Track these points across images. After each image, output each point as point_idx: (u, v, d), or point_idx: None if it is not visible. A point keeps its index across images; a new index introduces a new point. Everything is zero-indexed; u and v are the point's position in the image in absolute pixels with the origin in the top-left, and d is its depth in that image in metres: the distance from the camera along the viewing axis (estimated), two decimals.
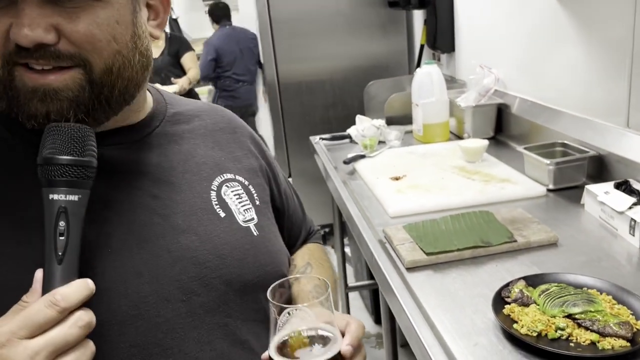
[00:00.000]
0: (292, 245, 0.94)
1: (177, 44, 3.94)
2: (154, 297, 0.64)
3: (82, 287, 0.53)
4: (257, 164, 0.84)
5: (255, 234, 0.76)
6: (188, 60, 3.95)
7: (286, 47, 2.79)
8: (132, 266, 0.64)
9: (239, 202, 0.77)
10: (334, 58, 2.82)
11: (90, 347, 0.54)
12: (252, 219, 0.77)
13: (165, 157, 0.73)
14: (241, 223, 0.75)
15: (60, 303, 0.51)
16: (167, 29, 6.28)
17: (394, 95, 2.16)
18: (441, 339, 0.84)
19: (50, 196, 0.54)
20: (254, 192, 0.80)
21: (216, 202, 0.74)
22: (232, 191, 0.76)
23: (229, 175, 0.78)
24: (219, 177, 0.77)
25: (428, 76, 1.89)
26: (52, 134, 0.55)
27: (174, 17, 6.28)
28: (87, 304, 0.55)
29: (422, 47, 2.62)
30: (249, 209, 0.77)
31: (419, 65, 2.63)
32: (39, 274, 0.54)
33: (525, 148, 1.46)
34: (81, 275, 0.57)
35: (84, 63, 0.58)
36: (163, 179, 0.71)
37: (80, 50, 0.57)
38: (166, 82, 3.77)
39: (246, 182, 0.79)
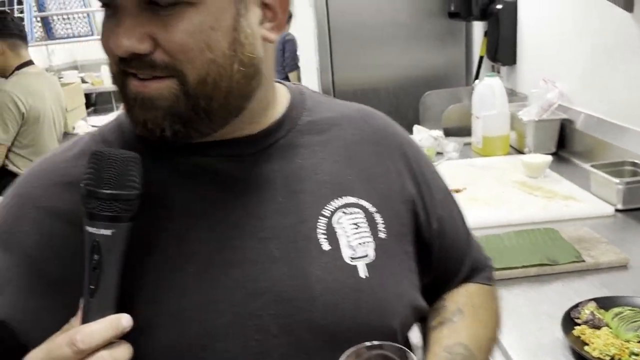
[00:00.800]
0: (446, 282, 0.76)
1: None
2: (228, 329, 0.57)
3: (112, 325, 0.49)
4: (400, 185, 0.69)
5: (362, 275, 0.62)
6: None
7: (343, 55, 2.81)
8: (212, 292, 0.57)
9: (354, 233, 0.64)
10: (391, 67, 2.82)
11: None
12: (365, 256, 0.63)
13: (281, 172, 0.63)
14: (347, 260, 0.62)
15: (78, 344, 0.47)
16: None
17: (452, 106, 2.15)
18: (507, 355, 0.83)
19: (85, 227, 0.51)
20: (380, 221, 0.66)
21: (323, 231, 0.62)
22: (348, 219, 0.64)
23: (351, 199, 0.65)
24: (336, 199, 0.64)
25: (489, 88, 1.86)
26: (92, 163, 0.51)
27: None
28: (154, 326, 0.53)
29: (481, 58, 2.59)
30: (365, 242, 0.64)
31: (477, 77, 2.60)
32: (81, 301, 0.51)
33: (592, 166, 1.42)
34: (157, 294, 0.55)
35: (178, 73, 0.54)
36: (270, 198, 0.62)
37: (175, 61, 0.54)
38: None
39: (372, 209, 0.66)
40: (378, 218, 0.65)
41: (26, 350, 0.51)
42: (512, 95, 2.24)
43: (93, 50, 5.68)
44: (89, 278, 0.50)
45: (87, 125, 3.39)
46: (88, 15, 5.43)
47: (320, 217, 0.62)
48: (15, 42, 2.44)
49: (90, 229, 0.50)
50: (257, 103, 0.61)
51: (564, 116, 1.81)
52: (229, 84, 0.56)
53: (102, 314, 0.50)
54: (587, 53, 1.76)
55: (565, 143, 1.83)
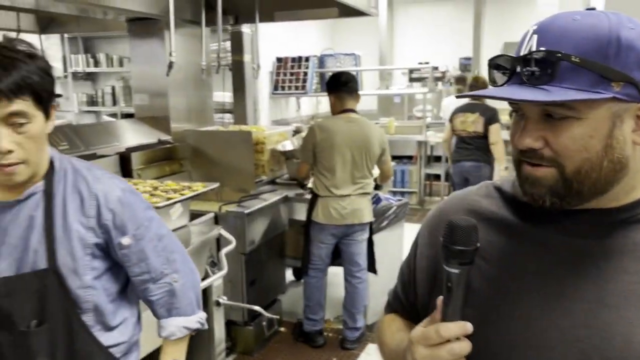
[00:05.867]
0: None
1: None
2: (553, 346, 0.75)
3: (458, 327, 0.72)
4: None
5: None
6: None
7: None
8: (538, 323, 0.76)
9: None
10: None
11: None
12: None
13: (629, 244, 0.77)
14: None
15: (441, 332, 0.72)
16: None
17: None
18: None
19: (444, 265, 0.76)
20: None
21: None
22: None
23: None
24: None
25: None
26: (449, 227, 0.75)
27: None
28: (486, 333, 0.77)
29: None
30: None
31: None
32: (440, 306, 0.75)
33: None
34: (490, 317, 0.79)
35: (559, 165, 0.74)
36: (617, 264, 0.76)
37: (557, 156, 0.74)
38: None
39: None
40: None
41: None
42: None
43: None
44: (445, 295, 0.76)
45: None
46: (357, 73, 6.21)
47: None
48: (341, 95, 3.18)
49: (445, 267, 0.76)
50: (622, 187, 0.78)
51: None
52: (598, 175, 0.75)
53: (452, 319, 0.74)
54: None
55: None
